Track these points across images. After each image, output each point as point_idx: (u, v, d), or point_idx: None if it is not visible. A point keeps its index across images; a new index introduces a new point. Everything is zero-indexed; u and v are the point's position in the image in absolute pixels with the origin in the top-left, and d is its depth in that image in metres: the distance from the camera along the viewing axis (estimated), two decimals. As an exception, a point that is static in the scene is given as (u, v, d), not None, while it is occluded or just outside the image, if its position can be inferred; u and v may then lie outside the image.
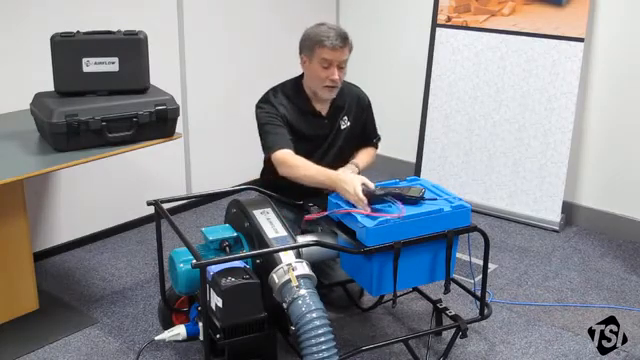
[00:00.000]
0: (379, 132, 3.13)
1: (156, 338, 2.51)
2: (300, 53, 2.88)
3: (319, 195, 2.76)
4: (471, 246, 2.71)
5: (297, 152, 2.78)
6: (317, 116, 2.93)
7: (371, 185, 2.54)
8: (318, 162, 2.77)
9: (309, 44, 2.82)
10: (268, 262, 2.40)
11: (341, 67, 2.83)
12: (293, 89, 2.92)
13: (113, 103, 2.78)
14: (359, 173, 2.84)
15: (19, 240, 2.94)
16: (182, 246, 2.44)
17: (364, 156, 3.01)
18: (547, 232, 3.83)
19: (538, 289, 3.26)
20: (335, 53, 2.78)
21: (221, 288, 2.23)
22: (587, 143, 3.82)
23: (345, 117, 2.98)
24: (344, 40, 2.79)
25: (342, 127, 2.97)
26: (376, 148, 3.13)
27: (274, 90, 2.93)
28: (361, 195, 2.48)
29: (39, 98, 2.83)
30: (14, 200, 2.89)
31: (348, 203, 2.53)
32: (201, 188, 3.92)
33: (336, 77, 2.81)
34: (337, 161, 2.91)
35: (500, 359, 2.76)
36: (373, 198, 2.50)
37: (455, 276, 2.82)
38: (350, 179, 2.56)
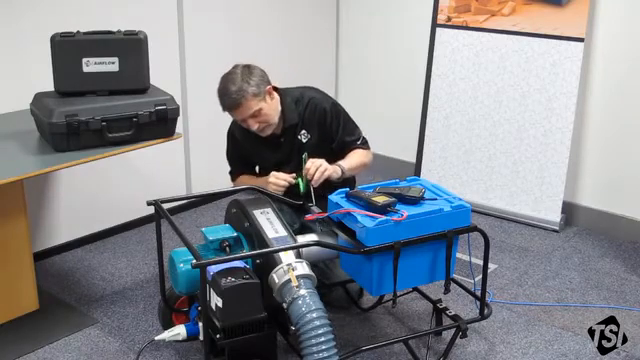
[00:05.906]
0: (364, 134, 3.03)
1: (156, 338, 2.51)
2: None
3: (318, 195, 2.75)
4: (471, 246, 2.71)
5: (267, 170, 2.87)
6: (272, 136, 2.93)
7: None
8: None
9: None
10: (268, 262, 2.40)
11: (255, 115, 2.78)
12: None
13: (113, 103, 2.78)
14: (343, 174, 2.82)
15: (19, 240, 2.94)
16: (182, 246, 2.44)
17: (351, 157, 2.93)
18: (547, 232, 3.83)
19: (538, 289, 3.26)
20: (237, 113, 2.79)
21: (221, 288, 2.23)
22: (587, 143, 3.82)
23: (303, 131, 2.95)
24: (239, 97, 2.72)
25: (303, 140, 2.95)
26: (366, 149, 3.02)
27: None
28: (273, 178, 2.75)
29: (39, 98, 2.83)
30: (14, 200, 2.89)
31: (348, 203, 2.53)
32: (201, 188, 3.91)
33: (254, 128, 2.81)
34: None
35: (500, 359, 2.76)
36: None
37: (455, 276, 2.82)
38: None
